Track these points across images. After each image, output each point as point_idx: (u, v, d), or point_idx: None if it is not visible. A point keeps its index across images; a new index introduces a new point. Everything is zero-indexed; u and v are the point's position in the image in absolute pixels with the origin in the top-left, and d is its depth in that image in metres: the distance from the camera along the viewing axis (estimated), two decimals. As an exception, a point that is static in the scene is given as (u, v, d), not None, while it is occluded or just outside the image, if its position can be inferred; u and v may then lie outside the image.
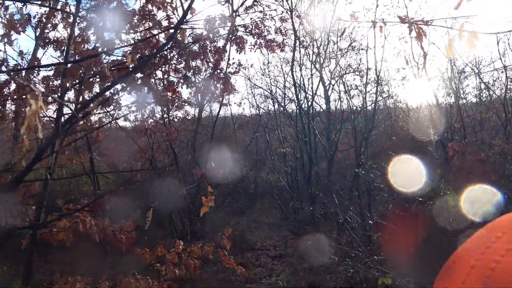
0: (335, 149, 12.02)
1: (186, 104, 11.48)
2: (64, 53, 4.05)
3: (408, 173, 7.20)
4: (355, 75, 13.02)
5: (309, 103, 12.61)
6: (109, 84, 3.06)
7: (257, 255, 8.28)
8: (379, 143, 13.90)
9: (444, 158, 9.47)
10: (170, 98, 5.10)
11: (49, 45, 4.40)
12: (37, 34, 6.19)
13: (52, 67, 3.81)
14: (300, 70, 12.63)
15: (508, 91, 11.91)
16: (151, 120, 8.68)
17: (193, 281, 6.77)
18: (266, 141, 15.19)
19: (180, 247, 4.56)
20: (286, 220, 12.50)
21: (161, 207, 7.66)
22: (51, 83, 3.69)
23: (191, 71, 4.96)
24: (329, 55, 12.62)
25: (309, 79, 13.03)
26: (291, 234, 10.68)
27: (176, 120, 11.76)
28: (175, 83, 4.76)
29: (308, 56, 12.65)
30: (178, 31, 2.64)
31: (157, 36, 3.99)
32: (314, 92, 12.81)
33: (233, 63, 10.38)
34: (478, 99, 14.07)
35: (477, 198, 5.38)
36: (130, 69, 4.23)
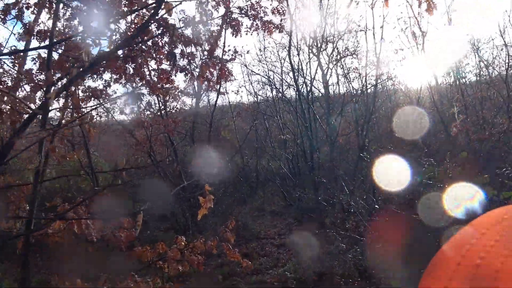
0: (336, 134, 11.81)
1: (183, 95, 11.28)
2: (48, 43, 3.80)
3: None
4: (353, 58, 12.75)
5: (308, 88, 12.34)
6: (82, 70, 2.80)
7: (262, 244, 8.15)
8: (380, 126, 13.69)
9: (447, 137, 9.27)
10: (164, 87, 4.86)
11: (33, 37, 4.15)
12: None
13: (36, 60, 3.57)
14: (298, 55, 12.32)
15: (510, 69, 11.63)
16: (148, 113, 8.45)
17: (197, 275, 6.64)
18: (265, 129, 14.96)
19: (182, 243, 4.39)
20: (289, 208, 12.37)
21: (162, 201, 7.52)
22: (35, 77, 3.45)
23: (185, 57, 4.71)
24: (326, 38, 12.31)
25: (307, 63, 12.76)
26: (295, 221, 10.55)
27: (174, 111, 11.55)
28: (169, 72, 4.52)
29: (304, 40, 12.36)
30: (163, 5, 2.39)
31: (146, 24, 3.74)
32: (312, 77, 12.54)
33: (229, 50, 10.11)
34: (478, 78, 13.79)
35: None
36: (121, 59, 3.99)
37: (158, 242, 4.45)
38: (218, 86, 11.73)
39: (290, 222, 10.64)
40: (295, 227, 9.96)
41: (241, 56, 11.69)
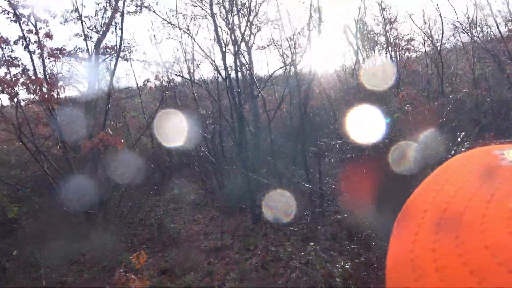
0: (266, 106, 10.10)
1: (71, 58, 8.46)
2: None
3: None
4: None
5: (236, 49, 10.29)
6: None
7: (185, 251, 6.07)
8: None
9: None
10: None
11: None
12: None
13: None
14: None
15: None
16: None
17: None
18: (177, 103, 12.50)
19: None
20: (212, 196, 10.43)
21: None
22: None
23: None
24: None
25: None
26: (221, 213, 8.65)
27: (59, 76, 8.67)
28: None
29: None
30: None
31: None
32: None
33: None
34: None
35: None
36: None
37: None
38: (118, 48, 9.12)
39: (215, 215, 8.71)
40: (222, 221, 8.07)
41: (149, 10, 9.09)
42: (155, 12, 9.37)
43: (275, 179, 9.57)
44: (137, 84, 12.89)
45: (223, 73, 9.32)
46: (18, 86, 5.29)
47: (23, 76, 5.73)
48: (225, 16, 9.93)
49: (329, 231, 6.17)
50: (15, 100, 5.56)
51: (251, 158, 9.03)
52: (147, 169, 11.08)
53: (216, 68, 10.22)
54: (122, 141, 5.85)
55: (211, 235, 7.08)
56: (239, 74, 11.12)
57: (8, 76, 6.49)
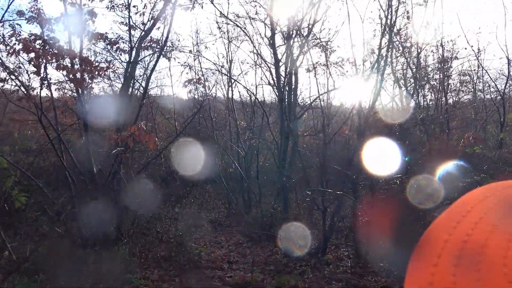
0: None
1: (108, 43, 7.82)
2: None
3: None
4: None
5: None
6: None
7: (205, 280, 5.04)
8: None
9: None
10: None
11: None
12: None
13: None
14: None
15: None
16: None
17: None
18: (209, 116, 11.65)
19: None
20: (235, 218, 9.40)
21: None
22: None
23: None
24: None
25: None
26: (247, 239, 7.59)
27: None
28: None
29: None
30: None
31: None
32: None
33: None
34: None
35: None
36: None
37: None
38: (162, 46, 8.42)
39: (240, 240, 7.65)
40: (249, 248, 7.01)
41: (201, 8, 8.40)
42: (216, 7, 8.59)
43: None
44: (172, 87, 12.26)
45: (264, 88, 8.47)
46: (48, 58, 4.52)
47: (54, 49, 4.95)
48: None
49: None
50: (41, 74, 4.80)
51: (289, 180, 8.00)
52: (170, 178, 10.21)
53: (270, 83, 9.44)
54: (156, 139, 4.96)
55: (237, 264, 6.01)
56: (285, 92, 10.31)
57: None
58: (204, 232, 8.18)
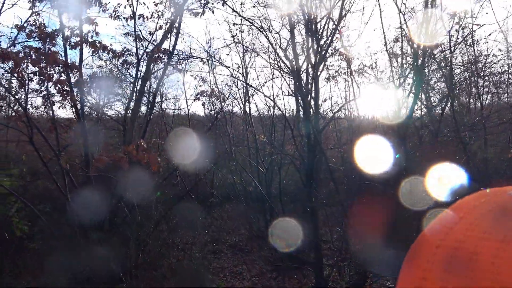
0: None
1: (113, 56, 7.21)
2: None
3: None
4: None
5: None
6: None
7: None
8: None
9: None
10: None
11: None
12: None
13: None
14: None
15: None
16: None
17: None
18: (227, 133, 10.93)
19: None
20: (257, 241, 8.54)
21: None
22: None
23: None
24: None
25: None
26: (272, 268, 6.70)
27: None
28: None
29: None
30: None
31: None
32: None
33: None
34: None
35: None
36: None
37: None
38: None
39: (264, 269, 6.77)
40: (274, 280, 6.13)
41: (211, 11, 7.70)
42: (235, 11, 7.72)
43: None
44: (186, 99, 11.64)
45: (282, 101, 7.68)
46: (28, 62, 3.83)
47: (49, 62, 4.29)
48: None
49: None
50: (24, 88, 4.13)
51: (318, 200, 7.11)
52: (188, 198, 9.43)
53: (292, 93, 8.66)
54: (159, 160, 4.20)
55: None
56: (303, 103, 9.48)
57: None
58: (223, 259, 7.34)
